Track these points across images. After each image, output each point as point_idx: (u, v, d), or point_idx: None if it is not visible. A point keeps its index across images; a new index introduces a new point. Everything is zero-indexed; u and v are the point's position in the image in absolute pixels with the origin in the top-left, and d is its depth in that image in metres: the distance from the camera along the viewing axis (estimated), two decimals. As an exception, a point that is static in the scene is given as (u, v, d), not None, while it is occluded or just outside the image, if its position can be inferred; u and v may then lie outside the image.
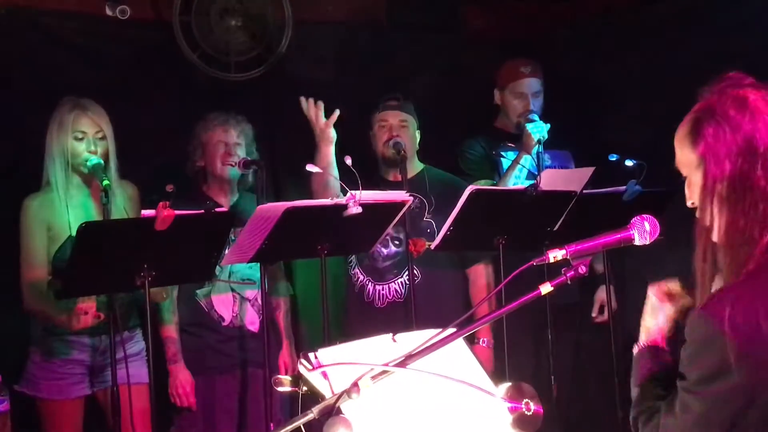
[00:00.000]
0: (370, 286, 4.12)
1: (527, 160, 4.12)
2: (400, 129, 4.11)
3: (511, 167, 4.16)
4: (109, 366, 3.55)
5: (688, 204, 1.92)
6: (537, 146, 4.05)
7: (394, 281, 4.14)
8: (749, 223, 1.77)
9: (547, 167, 4.12)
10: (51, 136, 3.61)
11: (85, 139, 3.60)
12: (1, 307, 3.80)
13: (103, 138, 3.64)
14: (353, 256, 4.14)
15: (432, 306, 3.93)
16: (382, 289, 4.13)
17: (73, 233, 3.52)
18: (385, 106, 4.16)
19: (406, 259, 4.05)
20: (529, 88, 4.45)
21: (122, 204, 3.69)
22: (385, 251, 4.10)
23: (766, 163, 1.77)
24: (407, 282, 4.02)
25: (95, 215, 3.62)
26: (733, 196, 1.78)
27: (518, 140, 4.24)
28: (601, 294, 4.38)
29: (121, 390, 3.51)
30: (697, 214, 1.90)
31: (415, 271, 4.01)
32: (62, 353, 3.62)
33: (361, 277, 4.15)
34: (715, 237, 1.85)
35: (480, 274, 4.26)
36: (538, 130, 4.06)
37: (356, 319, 4.19)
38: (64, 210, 3.60)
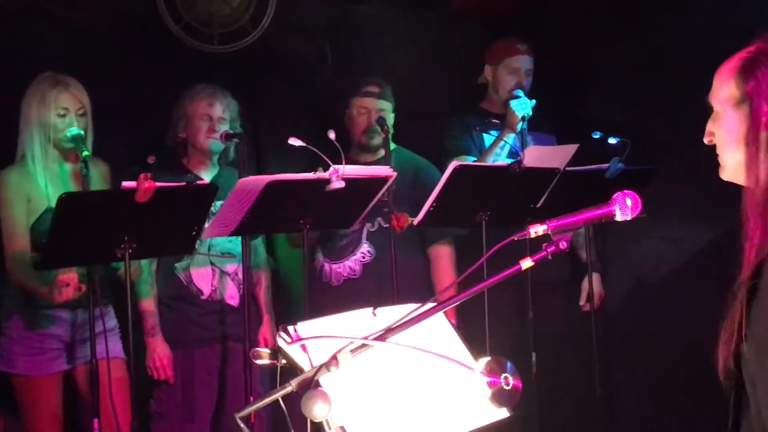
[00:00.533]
0: (326, 266, 4.13)
1: (511, 137, 4.11)
2: (383, 114, 4.12)
3: (494, 143, 4.16)
4: (86, 341, 3.56)
5: (705, 140, 1.91)
6: (521, 123, 4.03)
7: (348, 259, 4.15)
8: None
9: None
10: (29, 110, 3.59)
11: (67, 115, 3.59)
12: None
13: (84, 114, 3.64)
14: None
15: (387, 285, 3.93)
16: (338, 267, 4.13)
17: (52, 205, 3.51)
18: (366, 92, 4.14)
19: (360, 237, 4.11)
20: (524, 64, 4.46)
21: (96, 180, 3.65)
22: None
23: None
24: (362, 259, 4.10)
25: (72, 187, 3.59)
26: None
27: (504, 118, 4.23)
28: (588, 283, 4.41)
29: (100, 365, 3.50)
30: (721, 156, 1.88)
31: (369, 250, 4.10)
32: (40, 327, 3.59)
33: (320, 258, 4.16)
34: (763, 184, 1.80)
35: (442, 255, 4.28)
36: (522, 106, 4.05)
37: (314, 299, 4.13)
38: (42, 182, 3.58)
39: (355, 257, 4.16)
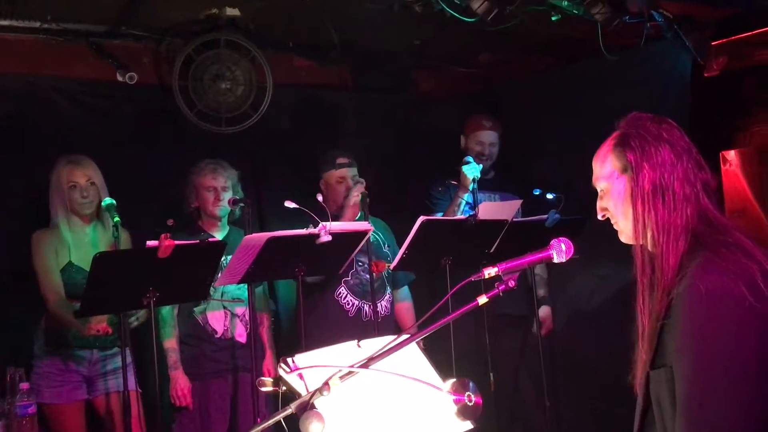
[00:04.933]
0: (366, 307, 4.04)
1: (466, 196, 4.13)
2: (354, 182, 4.09)
3: (453, 202, 4.19)
4: (103, 376, 3.63)
5: (599, 216, 1.92)
6: (472, 184, 4.04)
7: (383, 299, 4.14)
8: (675, 219, 1.76)
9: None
10: (53, 185, 3.64)
11: (77, 187, 3.62)
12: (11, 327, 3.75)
13: (93, 185, 3.66)
14: (342, 286, 4.06)
15: None
16: (377, 308, 4.08)
17: (73, 260, 3.59)
18: (340, 164, 4.13)
19: (384, 281, 4.13)
20: (486, 138, 4.52)
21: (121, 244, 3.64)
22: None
23: (679, 173, 1.78)
24: (389, 299, 4.17)
25: (96, 246, 3.60)
26: (659, 195, 1.77)
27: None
28: (541, 312, 4.42)
29: (115, 396, 3.59)
30: (616, 224, 1.89)
31: (389, 290, 4.18)
32: (63, 365, 3.57)
33: (351, 299, 4.09)
34: (649, 243, 1.81)
35: (404, 306, 4.33)
36: (472, 170, 4.06)
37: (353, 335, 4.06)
38: (66, 241, 3.60)
39: (386, 297, 4.16)
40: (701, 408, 1.61)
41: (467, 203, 4.12)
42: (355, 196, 3.95)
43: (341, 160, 4.14)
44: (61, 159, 3.66)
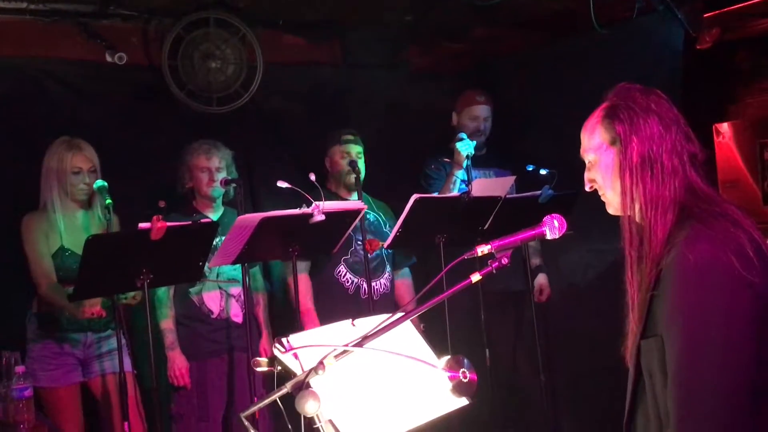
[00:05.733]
0: (364, 285, 4.03)
1: (460, 173, 4.11)
2: (358, 159, 4.12)
3: (448, 180, 4.17)
4: (97, 358, 3.62)
5: (587, 188, 1.92)
6: (466, 160, 4.03)
7: (381, 277, 4.15)
8: (663, 191, 1.76)
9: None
10: (49, 168, 3.60)
11: (80, 173, 3.59)
12: (3, 311, 3.74)
13: (94, 171, 3.64)
14: (341, 264, 4.07)
15: None
16: (376, 285, 4.10)
17: (65, 244, 3.56)
18: (346, 140, 4.15)
19: (383, 259, 4.15)
20: (481, 112, 4.50)
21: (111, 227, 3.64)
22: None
23: (668, 145, 1.78)
24: (389, 277, 4.19)
25: (86, 231, 3.57)
26: (647, 167, 1.77)
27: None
28: (539, 280, 4.42)
29: (111, 378, 3.60)
30: (603, 195, 1.88)
31: (389, 269, 4.20)
32: (57, 348, 3.56)
33: (350, 276, 4.09)
34: (636, 215, 1.81)
35: (404, 282, 4.34)
36: (466, 147, 4.04)
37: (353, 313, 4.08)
38: (59, 226, 3.57)
39: (385, 275, 4.17)
40: (692, 376, 1.62)
41: (461, 180, 4.11)
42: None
43: (347, 136, 4.15)
44: (59, 142, 3.62)
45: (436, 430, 2.03)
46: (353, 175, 3.99)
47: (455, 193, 4.06)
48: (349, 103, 4.84)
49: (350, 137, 4.16)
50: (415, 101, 5.02)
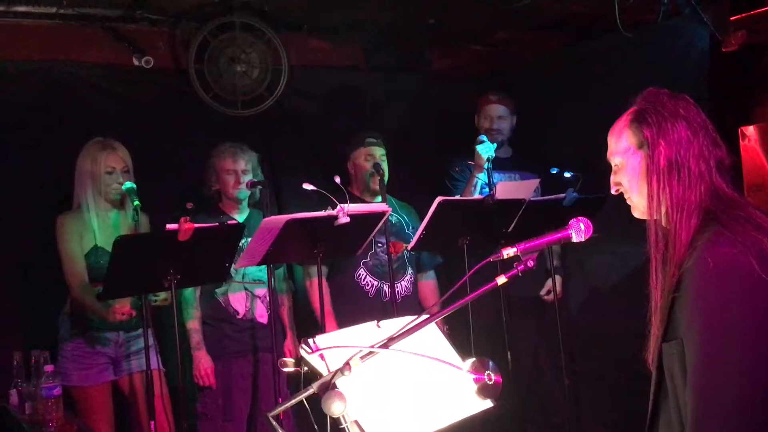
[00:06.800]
0: (385, 287, 4.04)
1: (482, 176, 4.08)
2: (381, 162, 4.13)
3: (469, 183, 4.16)
4: (128, 357, 3.66)
5: (613, 191, 1.92)
6: (487, 163, 4.02)
7: (403, 279, 4.16)
8: (689, 196, 1.76)
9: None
10: (83, 168, 3.64)
11: (114, 173, 3.63)
12: (35, 310, 3.79)
13: (128, 172, 3.67)
14: (361, 267, 4.09)
15: None
16: (397, 288, 4.10)
17: (99, 244, 3.59)
18: (370, 142, 4.16)
19: (405, 262, 4.15)
20: (494, 111, 4.51)
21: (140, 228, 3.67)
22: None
23: (695, 150, 1.78)
24: (411, 279, 4.19)
25: (118, 231, 3.62)
26: (674, 171, 1.77)
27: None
28: (549, 282, 4.41)
29: (138, 376, 3.63)
30: (630, 199, 1.88)
31: (412, 271, 4.21)
32: (89, 347, 3.61)
33: (371, 280, 4.11)
34: (663, 219, 1.81)
35: (428, 284, 4.35)
36: (486, 150, 4.00)
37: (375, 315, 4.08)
38: (93, 225, 3.61)
39: (407, 278, 4.18)
40: (709, 379, 1.62)
41: (484, 183, 4.10)
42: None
43: (370, 138, 4.17)
44: (92, 142, 3.66)
45: (458, 430, 2.04)
46: (377, 177, 4.00)
47: (478, 196, 4.06)
48: (372, 106, 4.86)
49: (374, 140, 4.18)
50: (437, 104, 5.04)
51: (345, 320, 3.97)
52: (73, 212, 3.65)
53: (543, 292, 4.42)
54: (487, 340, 3.91)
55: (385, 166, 4.11)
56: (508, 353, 3.93)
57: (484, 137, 4.13)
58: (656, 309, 1.80)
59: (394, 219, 4.20)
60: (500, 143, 4.48)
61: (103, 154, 3.62)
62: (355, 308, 3.97)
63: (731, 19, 4.02)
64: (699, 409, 1.63)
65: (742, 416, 1.58)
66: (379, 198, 4.03)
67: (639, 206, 1.87)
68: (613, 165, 1.91)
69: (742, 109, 4.27)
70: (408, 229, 4.20)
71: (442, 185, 4.39)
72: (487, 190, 3.99)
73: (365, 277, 4.09)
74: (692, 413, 1.64)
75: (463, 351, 2.20)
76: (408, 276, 4.19)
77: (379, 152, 4.15)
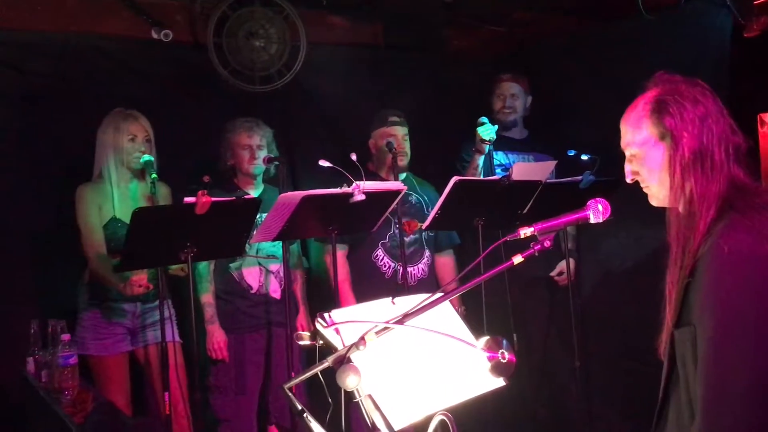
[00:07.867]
0: (401, 269, 4.03)
1: (481, 159, 4.05)
2: (404, 141, 4.13)
3: (470, 165, 4.11)
4: (146, 328, 3.70)
5: (629, 180, 1.91)
6: (488, 145, 3.99)
7: (420, 262, 4.17)
8: (712, 186, 1.76)
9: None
10: (105, 137, 3.66)
11: (136, 141, 3.65)
12: (53, 279, 3.82)
13: (149, 140, 3.70)
14: (379, 248, 4.11)
15: None
16: (413, 270, 4.12)
17: (117, 215, 3.61)
18: (392, 121, 4.15)
19: (423, 244, 4.16)
20: (507, 89, 4.50)
21: (160, 199, 3.70)
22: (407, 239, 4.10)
23: (716, 139, 1.78)
24: (427, 262, 4.20)
25: (139, 203, 3.64)
26: (698, 162, 1.77)
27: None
28: (561, 264, 4.41)
29: (154, 348, 3.66)
30: (649, 188, 1.88)
31: (429, 254, 4.21)
32: (107, 318, 3.64)
33: (388, 261, 4.12)
34: (681, 208, 1.81)
35: (446, 262, 4.35)
36: (487, 132, 3.98)
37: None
38: (113, 196, 3.64)
39: (423, 260, 4.19)
40: (719, 365, 1.63)
41: (498, 164, 4.09)
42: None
43: (393, 118, 4.16)
44: (114, 112, 3.69)
45: (469, 410, 2.06)
46: (390, 156, 3.98)
47: (494, 176, 4.06)
48: (389, 84, 4.85)
49: (396, 119, 4.17)
50: (454, 84, 5.01)
51: (360, 299, 3.99)
52: (93, 183, 3.67)
53: (554, 272, 4.42)
54: (496, 320, 3.92)
55: (407, 145, 4.10)
56: (514, 335, 3.95)
57: (484, 119, 4.07)
58: (670, 298, 1.80)
59: (414, 199, 4.20)
60: (513, 122, 4.48)
61: (126, 123, 3.64)
62: (370, 288, 3.97)
63: (755, 3, 3.98)
64: (708, 394, 1.64)
65: (751, 402, 1.59)
66: (403, 176, 4.02)
67: (659, 196, 1.86)
68: (627, 154, 1.90)
69: (762, 95, 4.23)
70: (427, 210, 4.20)
71: (453, 167, 4.39)
72: (499, 171, 3.99)
73: (383, 258, 4.10)
74: (702, 398, 1.65)
75: (476, 331, 2.22)
76: (425, 259, 4.20)
77: (401, 131, 4.14)
